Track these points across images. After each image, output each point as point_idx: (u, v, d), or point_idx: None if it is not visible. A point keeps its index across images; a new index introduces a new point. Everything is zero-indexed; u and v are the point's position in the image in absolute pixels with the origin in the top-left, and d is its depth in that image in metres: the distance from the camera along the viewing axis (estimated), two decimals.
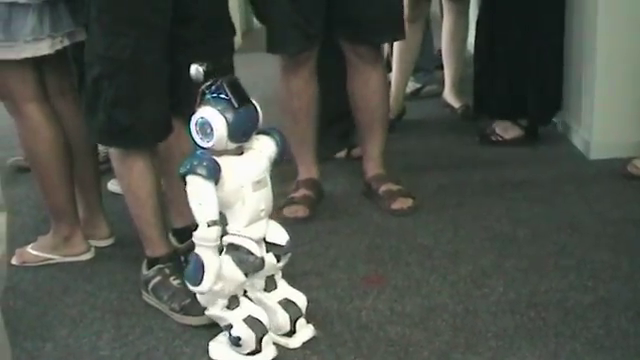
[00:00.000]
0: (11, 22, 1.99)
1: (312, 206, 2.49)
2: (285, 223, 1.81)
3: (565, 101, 3.04)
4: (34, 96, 2.12)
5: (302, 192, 2.51)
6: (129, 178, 1.99)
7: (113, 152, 2.01)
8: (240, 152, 1.69)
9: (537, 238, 2.26)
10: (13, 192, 2.77)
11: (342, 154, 3.00)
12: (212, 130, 1.61)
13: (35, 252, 2.30)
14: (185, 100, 1.74)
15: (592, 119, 2.85)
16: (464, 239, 2.28)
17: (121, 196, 2.69)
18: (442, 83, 3.62)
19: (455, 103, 3.51)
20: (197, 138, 1.65)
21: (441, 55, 3.67)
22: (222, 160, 1.63)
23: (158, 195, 2.02)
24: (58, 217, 2.25)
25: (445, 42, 3.52)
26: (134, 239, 2.20)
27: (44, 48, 2.05)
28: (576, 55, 2.93)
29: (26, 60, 2.05)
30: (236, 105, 1.62)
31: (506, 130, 3.02)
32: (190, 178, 1.61)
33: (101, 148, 3.06)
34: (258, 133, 1.71)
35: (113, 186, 2.83)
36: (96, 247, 2.34)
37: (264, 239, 1.72)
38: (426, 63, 3.73)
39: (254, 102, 1.68)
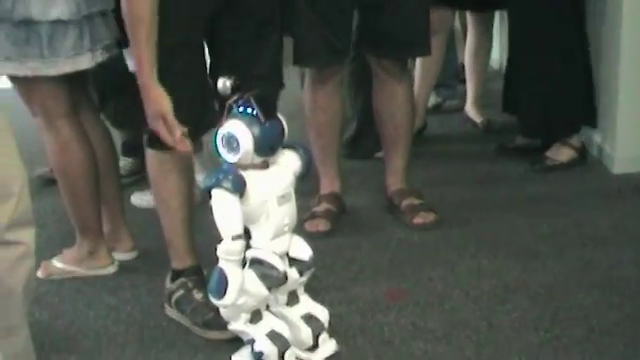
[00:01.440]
0: (54, 39, 2.01)
1: (334, 220, 2.49)
2: (307, 237, 1.82)
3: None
4: (66, 112, 2.15)
5: (324, 206, 2.52)
6: (163, 186, 2.01)
7: (150, 159, 2.02)
8: (265, 166, 1.69)
9: (561, 253, 2.25)
10: (39, 204, 2.76)
11: (381, 154, 2.96)
12: (238, 144, 1.62)
13: (60, 265, 2.32)
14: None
15: (615, 133, 2.83)
16: (487, 254, 2.27)
17: (144, 210, 2.75)
18: (464, 98, 3.62)
19: (477, 118, 3.50)
20: (223, 152, 1.65)
21: (463, 69, 3.67)
22: (247, 174, 1.64)
23: (190, 207, 2.03)
24: (83, 231, 2.27)
25: (468, 57, 3.52)
26: (157, 252, 2.23)
27: (84, 63, 2.08)
28: (600, 70, 2.91)
29: (60, 76, 2.07)
30: (263, 120, 1.62)
31: (559, 153, 2.93)
32: (215, 192, 1.62)
33: (123, 163, 3.12)
34: (283, 147, 1.72)
35: (136, 200, 2.86)
36: (120, 260, 2.35)
37: (287, 254, 1.72)
38: (448, 78, 3.73)
39: (280, 117, 1.69)
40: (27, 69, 2.02)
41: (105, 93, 2.99)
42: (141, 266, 2.35)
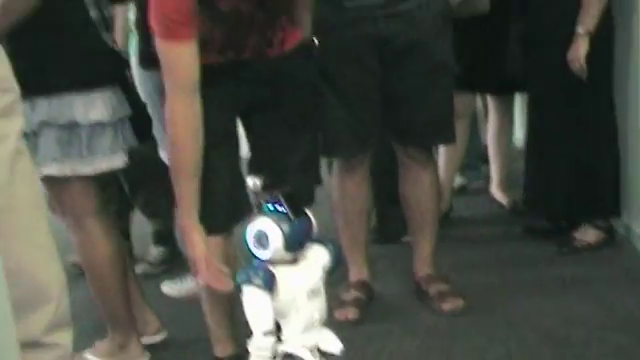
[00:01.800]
0: (92, 139, 2.10)
1: (363, 308, 2.50)
2: (336, 325, 1.83)
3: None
4: (95, 210, 2.21)
5: (353, 294, 2.53)
6: None
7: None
8: (295, 261, 1.72)
9: (592, 339, 2.22)
10: (73, 294, 2.81)
11: (408, 238, 2.98)
12: (268, 241, 1.66)
13: (92, 357, 2.34)
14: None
15: None
16: (517, 340, 2.26)
17: (175, 299, 2.78)
18: (489, 178, 3.65)
19: (503, 199, 3.53)
20: (254, 248, 1.69)
21: (487, 150, 3.72)
22: (277, 269, 1.67)
23: (230, 295, 2.06)
24: (114, 324, 2.30)
25: (491, 139, 3.57)
26: (189, 342, 2.25)
27: (118, 161, 2.17)
28: (625, 148, 2.93)
29: (91, 175, 2.14)
30: (292, 217, 1.67)
31: (587, 234, 2.93)
32: (246, 288, 1.65)
33: (154, 252, 3.18)
34: (312, 241, 1.75)
35: (167, 288, 2.90)
36: (150, 343, 2.36)
37: (318, 347, 1.73)
38: (472, 159, 3.78)
39: (309, 213, 1.73)
40: (67, 169, 2.10)
41: (136, 183, 3.08)
42: (172, 357, 2.36)
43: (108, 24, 3.01)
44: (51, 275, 1.43)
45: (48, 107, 2.04)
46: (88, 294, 2.78)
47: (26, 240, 1.45)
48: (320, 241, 1.76)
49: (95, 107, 2.07)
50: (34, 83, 1.93)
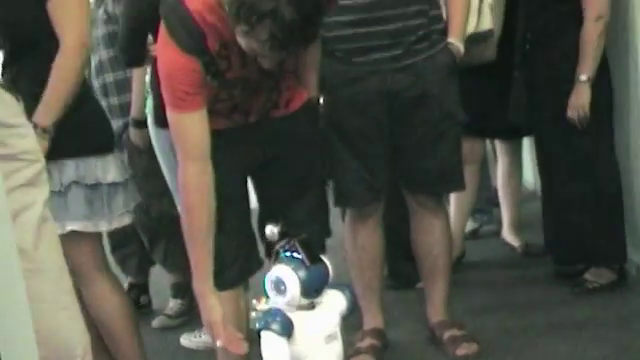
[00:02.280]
0: (110, 198, 2.21)
1: (378, 355, 2.53)
2: None
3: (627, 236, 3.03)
4: (101, 265, 2.27)
5: (368, 342, 2.56)
6: None
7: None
8: (312, 307, 1.76)
9: None
10: None
11: (421, 284, 2.99)
12: (286, 288, 1.71)
13: None
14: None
15: None
16: None
17: (193, 351, 2.83)
18: (500, 221, 3.69)
19: (514, 242, 3.56)
20: (272, 295, 1.74)
21: (497, 194, 3.76)
22: (295, 315, 1.72)
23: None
24: None
25: (501, 183, 3.62)
26: None
27: (127, 219, 2.27)
28: (633, 194, 2.97)
29: (98, 232, 2.24)
30: (308, 264, 1.71)
31: (598, 276, 2.95)
32: (264, 334, 1.70)
33: (172, 304, 3.23)
34: (329, 287, 1.79)
35: (186, 341, 2.95)
36: None
37: None
38: (483, 203, 3.82)
39: (325, 259, 1.77)
40: (90, 225, 2.19)
41: (155, 237, 3.16)
42: None
43: (107, 90, 3.18)
44: (76, 335, 1.50)
45: (76, 169, 2.14)
46: None
47: (52, 302, 1.52)
48: (337, 287, 1.81)
49: (110, 169, 2.20)
50: (63, 147, 2.04)
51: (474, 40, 3.05)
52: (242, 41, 1.79)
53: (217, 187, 1.97)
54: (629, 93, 2.91)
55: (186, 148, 1.94)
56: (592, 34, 2.74)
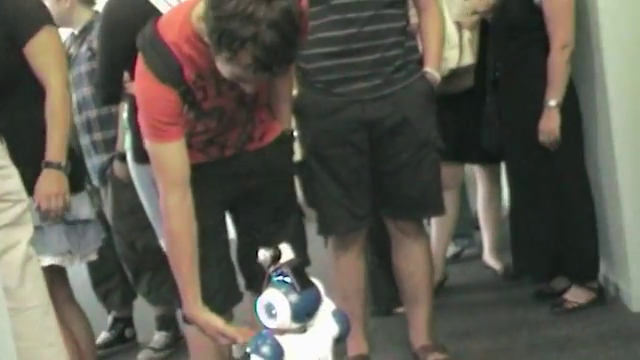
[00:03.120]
0: (85, 234, 2.29)
1: None
2: None
3: (602, 255, 3.08)
4: (70, 297, 2.34)
5: None
6: (198, 356, 2.19)
7: (185, 328, 2.21)
8: (303, 330, 1.76)
9: None
10: None
11: (401, 309, 3.03)
12: (277, 312, 1.72)
13: None
14: (259, 276, 1.85)
15: (628, 271, 2.91)
16: None
17: None
18: (481, 245, 3.74)
19: (496, 265, 3.61)
20: (263, 318, 1.75)
21: (478, 217, 3.81)
22: (286, 339, 1.71)
23: None
24: None
25: (481, 207, 3.67)
26: None
27: (95, 255, 2.37)
28: (604, 211, 3.04)
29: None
30: (299, 289, 1.71)
31: (577, 295, 3.00)
32: (253, 357, 1.70)
33: (157, 337, 3.24)
34: (321, 312, 1.78)
35: None
36: None
37: None
38: (464, 226, 3.86)
39: (317, 283, 1.77)
40: (67, 260, 2.26)
41: (139, 272, 3.18)
42: None
43: (90, 126, 3.25)
44: None
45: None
46: None
47: (37, 339, 1.54)
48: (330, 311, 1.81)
49: (84, 206, 2.28)
50: None
51: (456, 74, 3.13)
52: (224, 69, 1.83)
53: (196, 220, 2.01)
54: (597, 116, 2.99)
55: (166, 175, 1.97)
56: (558, 62, 2.83)
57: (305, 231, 2.28)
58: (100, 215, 3.24)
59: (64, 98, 2.10)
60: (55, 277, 2.24)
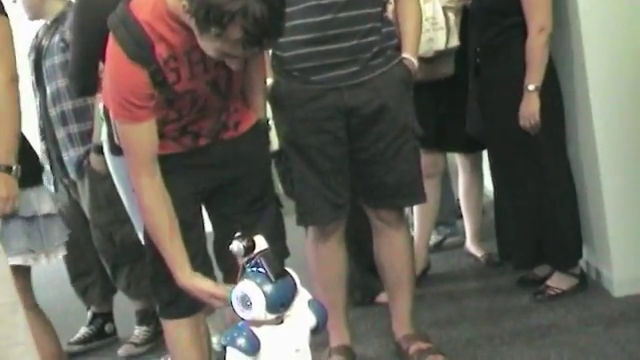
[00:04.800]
0: (47, 230, 2.20)
1: None
2: None
3: (583, 240, 3.08)
4: (33, 303, 2.25)
5: (335, 359, 2.57)
6: (176, 350, 2.16)
7: (163, 323, 2.18)
8: (280, 321, 1.74)
9: None
10: None
11: (381, 298, 3.05)
12: (251, 303, 1.70)
13: None
14: (234, 269, 1.83)
15: (610, 257, 2.91)
16: None
17: None
18: (464, 233, 3.73)
19: (478, 252, 3.60)
20: (238, 310, 1.73)
21: (460, 205, 3.80)
22: (262, 330, 1.70)
23: None
24: None
25: (462, 196, 3.66)
26: None
27: (62, 251, 2.27)
28: (586, 196, 3.03)
29: (28, 268, 2.20)
30: (273, 278, 1.70)
31: (559, 281, 3.00)
32: (229, 350, 1.69)
33: (137, 332, 3.21)
34: (298, 302, 1.77)
35: None
36: None
37: None
38: (446, 215, 3.85)
39: (292, 273, 1.75)
40: (30, 259, 2.18)
41: (118, 266, 3.14)
42: None
43: (65, 118, 3.16)
44: None
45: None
46: None
47: (5, 338, 1.50)
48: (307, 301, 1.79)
49: (45, 200, 2.20)
50: None
51: (442, 56, 3.11)
52: (212, 46, 1.81)
53: None
54: (575, 100, 2.98)
55: (137, 155, 1.99)
56: (536, 45, 2.82)
57: (284, 222, 2.25)
58: (77, 209, 3.21)
59: (10, 94, 1.99)
60: (16, 281, 2.09)
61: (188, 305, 2.09)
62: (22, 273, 2.17)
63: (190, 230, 2.07)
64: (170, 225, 1.99)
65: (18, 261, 2.13)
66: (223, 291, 1.90)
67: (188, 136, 2.09)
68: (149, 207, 1.99)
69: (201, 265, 2.08)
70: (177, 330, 2.14)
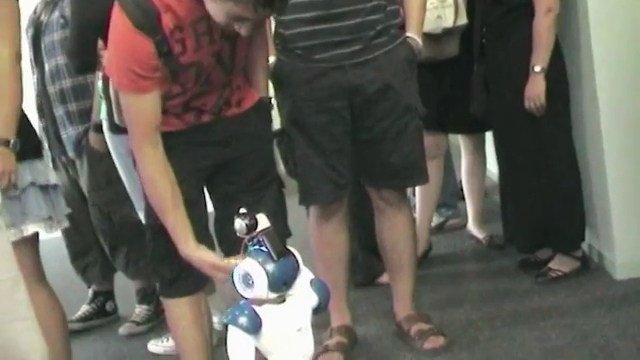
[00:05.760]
0: (57, 199, 2.19)
1: (346, 352, 2.53)
2: None
3: (586, 223, 3.07)
4: (41, 276, 2.22)
5: (336, 339, 2.57)
6: (177, 329, 2.16)
7: (164, 302, 2.18)
8: (282, 300, 1.74)
9: None
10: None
11: (382, 279, 3.05)
12: (253, 281, 1.69)
13: None
14: (236, 248, 1.83)
15: (613, 239, 2.90)
16: None
17: (161, 357, 2.81)
18: (466, 215, 3.72)
19: (479, 234, 3.59)
20: (240, 288, 1.72)
21: (462, 187, 3.79)
22: (264, 309, 1.69)
23: (207, 349, 2.13)
24: None
25: (465, 177, 3.65)
26: None
27: (67, 223, 2.25)
28: (590, 180, 3.02)
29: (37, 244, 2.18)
30: (275, 257, 1.69)
31: (562, 264, 2.99)
32: (231, 328, 1.69)
33: (138, 310, 3.20)
34: (300, 281, 1.76)
35: (153, 347, 2.92)
36: None
37: None
38: (448, 197, 3.84)
39: (294, 252, 1.74)
40: (48, 227, 2.17)
41: (116, 245, 3.13)
42: None
43: (64, 96, 3.14)
44: (32, 345, 1.48)
45: (31, 171, 2.11)
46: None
47: (6, 313, 1.49)
48: (309, 280, 1.78)
49: (50, 171, 2.19)
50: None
51: (449, 34, 3.08)
52: (222, 9, 1.80)
53: None
54: (581, 82, 2.95)
55: (139, 126, 1.97)
56: (543, 26, 2.79)
57: (285, 202, 2.24)
58: (76, 187, 3.20)
59: (13, 71, 1.98)
60: (24, 255, 2.08)
61: (190, 283, 2.08)
62: (35, 245, 2.17)
63: (192, 208, 2.05)
64: (173, 196, 1.97)
65: (40, 228, 2.13)
66: (226, 264, 1.88)
67: (191, 112, 2.07)
68: (152, 178, 1.98)
69: (203, 244, 2.07)
70: (178, 309, 2.14)
